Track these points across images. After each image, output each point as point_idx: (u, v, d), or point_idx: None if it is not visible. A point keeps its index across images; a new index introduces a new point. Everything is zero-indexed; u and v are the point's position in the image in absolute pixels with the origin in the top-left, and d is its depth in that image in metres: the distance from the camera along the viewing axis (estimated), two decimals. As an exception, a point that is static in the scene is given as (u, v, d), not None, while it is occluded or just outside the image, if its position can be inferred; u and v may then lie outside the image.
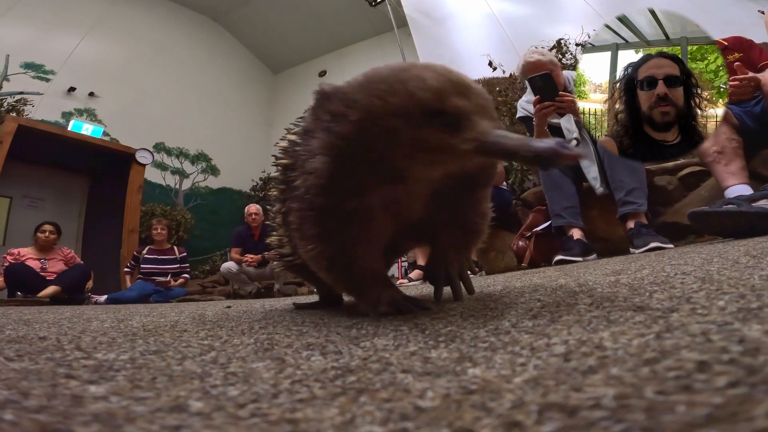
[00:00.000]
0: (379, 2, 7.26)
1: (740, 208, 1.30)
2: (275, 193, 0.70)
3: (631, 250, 1.84)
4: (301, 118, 0.65)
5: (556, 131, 2.18)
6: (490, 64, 5.25)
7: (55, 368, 0.34)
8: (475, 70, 5.66)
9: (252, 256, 4.07)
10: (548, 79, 1.98)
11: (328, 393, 0.24)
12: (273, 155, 0.73)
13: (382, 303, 0.58)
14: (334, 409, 0.21)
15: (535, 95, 2.04)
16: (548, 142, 0.40)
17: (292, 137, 0.62)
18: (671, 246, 1.73)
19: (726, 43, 2.16)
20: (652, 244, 1.71)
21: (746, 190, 1.62)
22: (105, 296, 4.01)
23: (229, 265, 4.21)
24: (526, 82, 2.21)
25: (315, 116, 0.53)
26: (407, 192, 0.56)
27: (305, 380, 0.27)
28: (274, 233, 0.80)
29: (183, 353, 0.40)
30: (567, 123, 2.17)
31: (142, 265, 4.21)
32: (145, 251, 4.31)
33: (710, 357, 0.21)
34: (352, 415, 0.20)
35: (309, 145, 0.54)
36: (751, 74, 1.75)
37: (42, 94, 5.95)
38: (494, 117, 0.48)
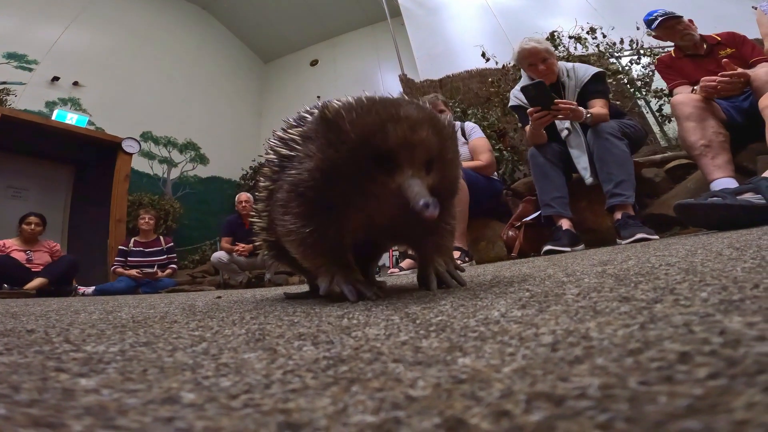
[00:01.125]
0: (372, -10, 7.15)
1: (725, 201, 1.33)
2: (268, 171, 0.79)
3: (618, 240, 1.87)
4: (301, 116, 0.78)
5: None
6: (483, 54, 5.22)
7: (44, 361, 0.34)
8: (467, 60, 5.65)
9: (243, 245, 4.04)
10: (542, 88, 1.98)
11: (320, 383, 0.24)
12: (270, 140, 0.82)
13: (335, 281, 0.69)
14: (326, 398, 0.21)
15: (530, 104, 2.04)
16: (423, 201, 0.56)
17: (294, 134, 0.72)
18: (657, 237, 1.76)
19: (719, 38, 2.18)
20: (638, 235, 1.74)
21: (731, 183, 1.65)
22: (92, 287, 3.96)
23: (219, 255, 4.18)
24: (520, 92, 2.21)
25: (316, 130, 0.66)
26: (376, 203, 0.68)
27: (297, 370, 0.27)
28: (257, 206, 0.90)
29: (174, 344, 0.40)
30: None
31: (129, 258, 4.16)
32: (131, 244, 4.25)
33: (692, 348, 0.21)
34: (344, 404, 0.20)
35: (307, 149, 0.67)
36: (740, 70, 1.78)
37: (25, 84, 5.81)
38: (438, 162, 0.66)
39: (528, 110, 2.05)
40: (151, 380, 0.27)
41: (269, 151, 0.80)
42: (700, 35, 2.25)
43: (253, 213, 0.94)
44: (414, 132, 0.63)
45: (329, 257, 0.72)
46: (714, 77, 1.80)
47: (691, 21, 2.30)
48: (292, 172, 0.68)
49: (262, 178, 0.84)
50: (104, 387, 0.25)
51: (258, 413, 0.20)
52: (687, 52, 2.26)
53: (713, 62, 2.05)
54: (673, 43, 2.35)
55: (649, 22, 2.37)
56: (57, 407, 0.22)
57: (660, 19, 2.27)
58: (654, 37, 2.46)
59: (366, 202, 0.68)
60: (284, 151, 0.73)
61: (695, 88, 1.97)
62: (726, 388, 0.16)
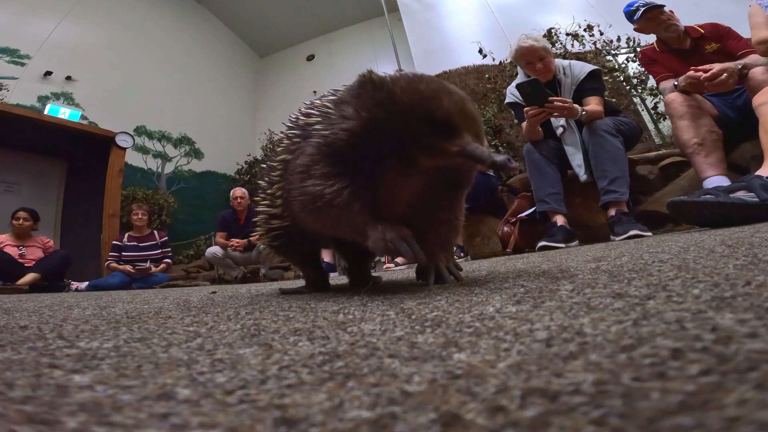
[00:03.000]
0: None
1: (718, 199, 1.34)
2: (287, 143, 0.77)
3: (612, 237, 1.88)
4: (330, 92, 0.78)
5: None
6: (480, 51, 5.22)
7: (38, 358, 0.34)
8: (464, 56, 5.64)
9: (237, 240, 4.03)
10: (536, 86, 1.99)
11: (316, 378, 0.24)
12: (291, 115, 0.83)
13: (388, 237, 0.64)
14: (322, 394, 0.21)
15: (525, 102, 2.05)
16: (502, 157, 0.60)
17: (326, 102, 0.73)
18: (650, 234, 1.78)
19: (702, 31, 2.15)
20: (632, 232, 1.76)
21: (724, 181, 1.67)
22: (86, 283, 3.93)
23: (214, 250, 4.16)
24: (516, 89, 2.21)
25: (355, 94, 0.67)
26: (405, 176, 0.69)
27: (293, 366, 0.27)
28: (269, 191, 0.85)
29: (168, 340, 0.40)
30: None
31: (123, 253, 4.13)
32: (125, 238, 4.22)
33: (684, 345, 0.22)
34: (340, 399, 0.20)
35: (342, 112, 0.68)
36: (729, 67, 1.75)
37: (17, 78, 5.74)
38: (481, 136, 0.66)
39: (524, 108, 2.06)
40: (145, 376, 0.27)
41: (290, 124, 0.80)
42: (683, 27, 2.19)
43: (260, 198, 0.90)
44: (467, 104, 0.66)
45: (369, 213, 0.66)
46: (701, 69, 1.77)
47: (671, 12, 2.23)
48: (324, 132, 0.67)
49: (277, 152, 0.81)
50: (98, 383, 0.25)
51: (254, 409, 0.20)
52: (671, 46, 2.21)
53: (699, 57, 2.01)
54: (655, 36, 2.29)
55: (630, 14, 2.28)
56: (51, 404, 0.22)
57: (642, 9, 2.20)
58: (636, 30, 2.35)
59: (393, 173, 0.68)
60: (312, 119, 0.72)
61: (676, 82, 1.94)
62: (718, 384, 0.16)
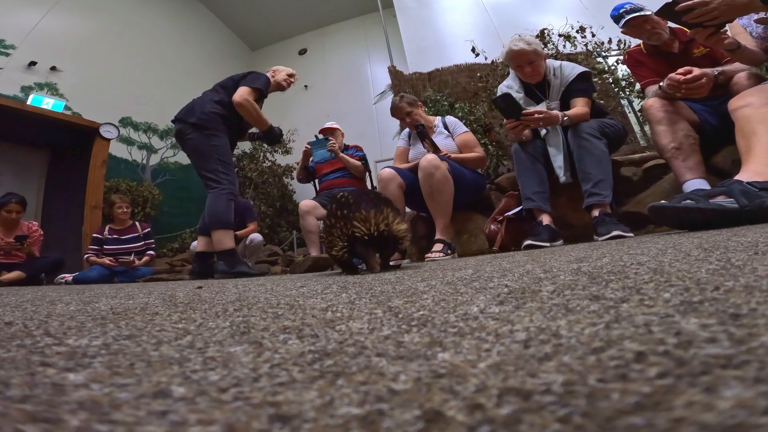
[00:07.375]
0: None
1: (698, 205, 1.35)
2: None
3: (595, 237, 1.93)
4: None
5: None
6: (473, 49, 5.23)
7: (28, 356, 0.34)
8: (457, 54, 5.65)
9: (225, 235, 3.98)
10: (509, 100, 2.05)
11: (307, 376, 0.25)
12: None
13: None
14: (313, 391, 0.22)
15: (503, 115, 2.12)
16: None
17: None
18: (631, 235, 1.82)
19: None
20: (614, 233, 1.80)
21: (702, 185, 1.71)
22: (71, 276, 3.85)
23: (200, 244, 4.11)
24: (492, 102, 2.27)
25: None
26: None
27: (284, 364, 0.28)
28: None
29: (158, 338, 0.40)
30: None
31: (104, 246, 4.05)
32: (105, 231, 4.13)
33: (647, 348, 0.23)
34: (330, 397, 0.21)
35: None
36: (707, 73, 1.78)
37: (1, 68, 5.59)
38: None
39: (504, 122, 2.11)
40: (139, 374, 0.27)
41: None
42: (671, 29, 2.17)
43: None
44: None
45: None
46: (680, 72, 1.78)
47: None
48: None
49: None
50: (93, 381, 0.26)
51: (248, 406, 0.20)
52: (659, 49, 2.20)
53: (687, 62, 1.99)
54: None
55: (616, 19, 2.25)
56: (50, 402, 0.22)
57: (626, 18, 2.17)
58: (623, 32, 2.31)
59: None
60: None
61: (661, 84, 1.94)
62: (671, 387, 0.18)
